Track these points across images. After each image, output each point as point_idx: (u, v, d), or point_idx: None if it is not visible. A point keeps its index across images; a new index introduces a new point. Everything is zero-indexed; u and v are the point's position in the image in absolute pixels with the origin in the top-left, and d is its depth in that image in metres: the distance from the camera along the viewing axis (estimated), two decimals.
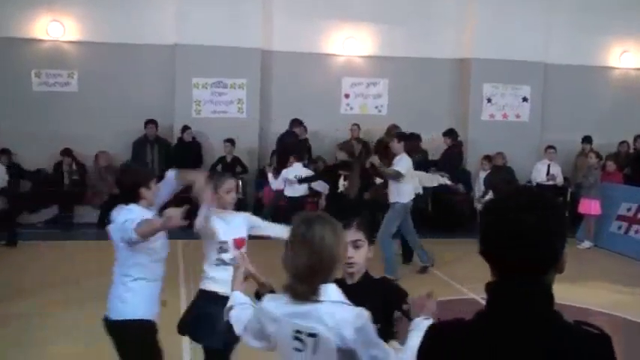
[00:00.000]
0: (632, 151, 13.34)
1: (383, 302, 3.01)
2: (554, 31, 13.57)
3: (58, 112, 12.15)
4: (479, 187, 12.22)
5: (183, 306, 7.47)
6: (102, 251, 10.53)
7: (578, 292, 7.68)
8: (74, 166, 11.99)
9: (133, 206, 4.02)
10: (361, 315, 2.49)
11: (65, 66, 12.38)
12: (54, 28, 12.24)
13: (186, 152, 12.14)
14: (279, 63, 13.04)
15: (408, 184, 8.88)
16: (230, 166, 12.18)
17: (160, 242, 4.10)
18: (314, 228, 2.54)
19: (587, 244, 11.07)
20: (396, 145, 8.93)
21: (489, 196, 12.01)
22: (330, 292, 2.55)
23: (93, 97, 12.28)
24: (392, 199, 8.88)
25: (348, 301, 2.56)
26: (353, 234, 3.09)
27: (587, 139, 13.16)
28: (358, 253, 3.09)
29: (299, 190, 10.25)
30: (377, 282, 3.23)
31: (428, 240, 10.53)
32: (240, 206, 13.00)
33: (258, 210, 12.21)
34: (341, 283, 2.76)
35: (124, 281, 4.06)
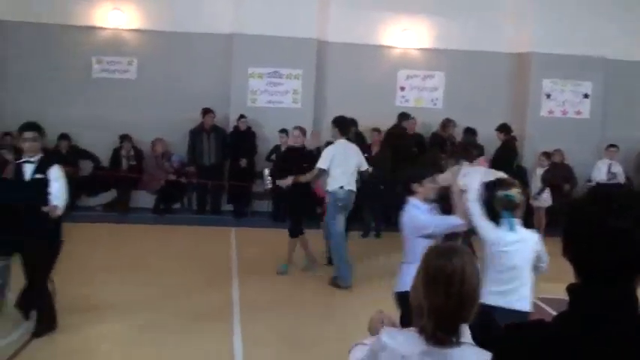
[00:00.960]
0: None
1: (479, 328, 2.68)
2: (615, 26, 13.13)
3: (116, 98, 12.40)
4: (535, 183, 11.96)
5: (234, 295, 7.57)
6: (157, 235, 10.81)
7: None
8: (132, 152, 12.22)
9: (413, 200, 5.05)
10: None
11: (125, 53, 12.62)
12: (115, 16, 12.49)
13: (240, 141, 12.25)
14: (335, 54, 13.01)
15: (334, 172, 8.14)
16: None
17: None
18: (453, 261, 2.33)
19: None
20: (332, 131, 8.48)
21: (546, 193, 11.76)
22: (466, 332, 2.34)
23: (151, 84, 12.50)
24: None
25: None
26: None
27: None
28: None
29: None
30: None
31: None
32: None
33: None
34: None
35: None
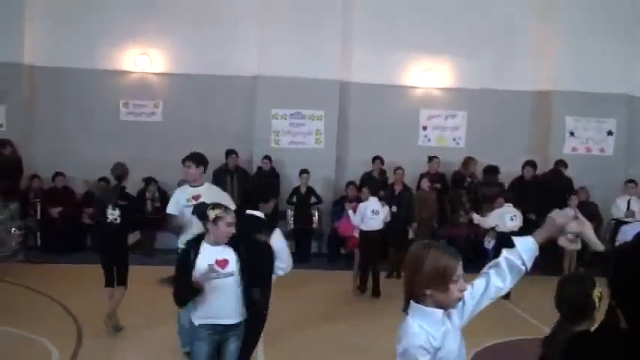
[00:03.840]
0: None
1: None
2: (638, 62, 13.12)
3: (143, 140, 12.60)
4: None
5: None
6: None
7: None
8: (156, 194, 12.36)
9: None
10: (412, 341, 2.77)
11: (151, 96, 12.88)
12: (142, 61, 12.79)
13: None
14: (357, 95, 13.14)
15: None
16: (304, 197, 12.32)
17: None
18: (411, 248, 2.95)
19: None
20: (193, 172, 7.08)
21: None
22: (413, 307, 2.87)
23: (176, 126, 12.69)
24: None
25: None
26: None
27: None
28: None
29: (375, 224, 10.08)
30: None
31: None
32: (316, 236, 13.12)
33: (333, 240, 12.27)
34: None
35: None
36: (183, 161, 7.12)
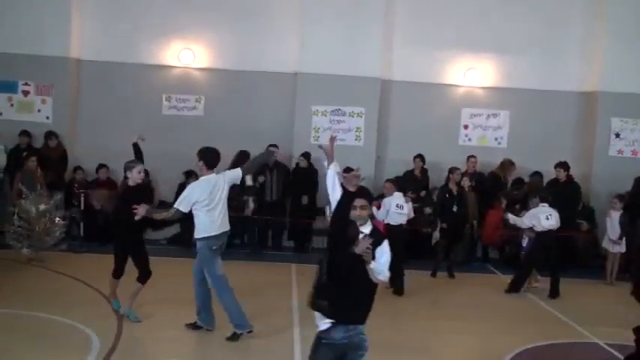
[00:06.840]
0: None
1: None
2: None
3: (184, 134, 12.71)
4: (612, 227, 11.34)
5: (296, 333, 7.55)
6: None
7: None
8: None
9: None
10: None
11: (193, 91, 13.02)
12: (185, 56, 12.93)
13: (302, 178, 12.36)
14: (398, 92, 13.08)
15: (204, 216, 7.12)
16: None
17: None
18: None
19: None
20: (199, 165, 7.54)
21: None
22: None
23: (217, 121, 12.80)
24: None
25: None
26: None
27: None
28: None
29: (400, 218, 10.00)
30: None
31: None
32: None
33: None
34: None
35: None
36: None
